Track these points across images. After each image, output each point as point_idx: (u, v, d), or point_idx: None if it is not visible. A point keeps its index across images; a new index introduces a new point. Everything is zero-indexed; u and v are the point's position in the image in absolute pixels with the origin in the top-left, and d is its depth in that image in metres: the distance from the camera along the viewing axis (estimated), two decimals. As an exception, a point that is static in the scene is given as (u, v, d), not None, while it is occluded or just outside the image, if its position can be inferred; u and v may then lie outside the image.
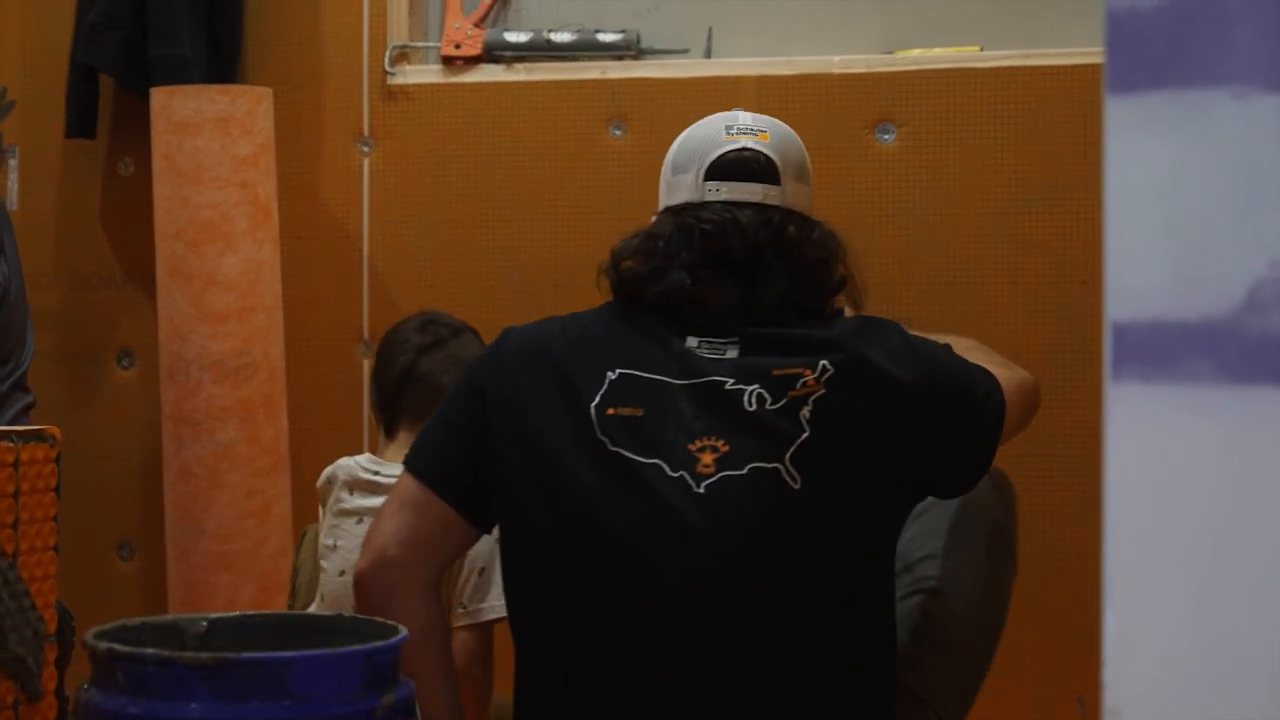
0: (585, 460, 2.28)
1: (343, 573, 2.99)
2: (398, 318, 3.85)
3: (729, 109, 3.80)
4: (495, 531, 2.55)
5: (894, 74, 3.81)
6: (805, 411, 2.26)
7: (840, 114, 3.82)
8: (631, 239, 2.45)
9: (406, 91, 4.02)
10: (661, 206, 2.47)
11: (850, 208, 3.80)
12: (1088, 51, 3.72)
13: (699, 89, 3.90)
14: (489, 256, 3.97)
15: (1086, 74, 3.69)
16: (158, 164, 3.81)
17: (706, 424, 2.27)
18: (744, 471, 2.24)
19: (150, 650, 2.15)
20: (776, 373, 2.28)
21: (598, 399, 2.30)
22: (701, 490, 2.24)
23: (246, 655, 2.16)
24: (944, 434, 2.34)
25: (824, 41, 3.95)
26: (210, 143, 3.74)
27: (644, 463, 2.26)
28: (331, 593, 3.02)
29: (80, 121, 4.04)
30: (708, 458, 2.25)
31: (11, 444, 2.51)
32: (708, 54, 4.00)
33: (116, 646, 2.16)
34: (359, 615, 2.59)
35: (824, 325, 2.36)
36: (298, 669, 2.13)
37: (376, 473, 2.99)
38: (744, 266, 2.35)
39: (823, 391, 2.26)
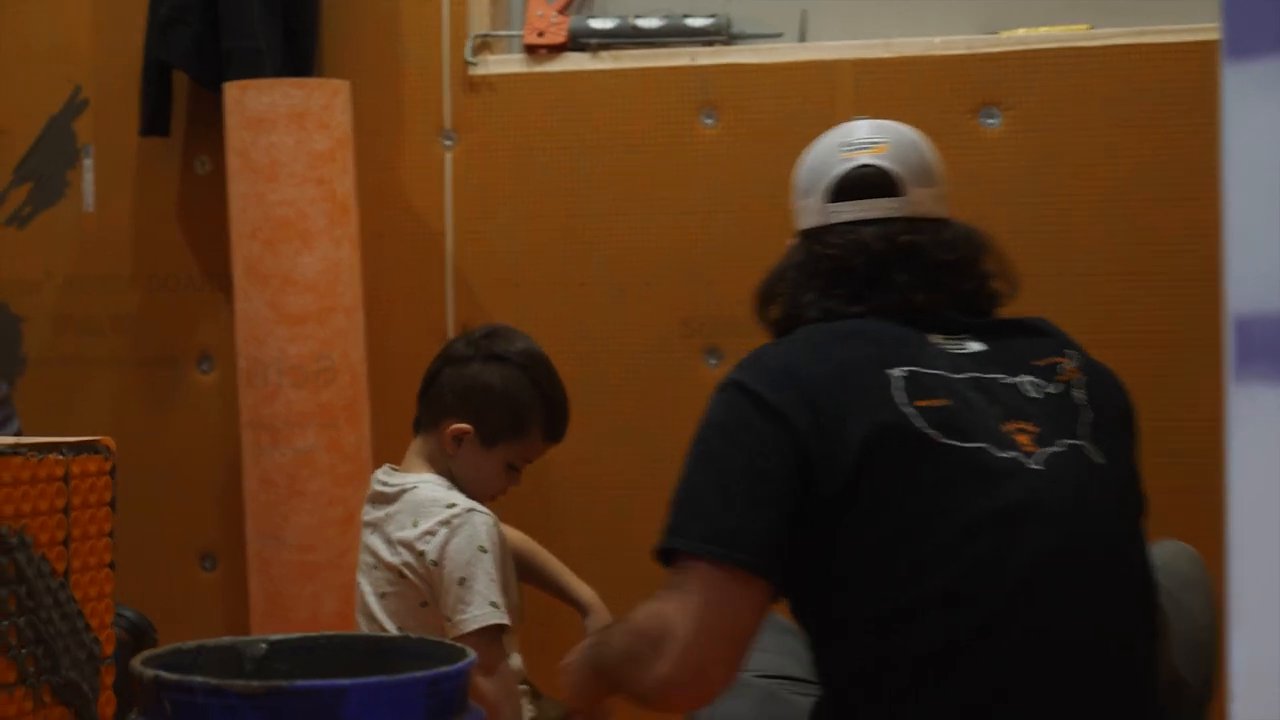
0: (921, 458, 2.18)
1: (359, 582, 2.98)
2: (483, 317, 3.74)
3: (825, 95, 3.67)
4: (471, 543, 2.81)
5: (998, 55, 3.62)
6: (1078, 394, 2.30)
7: (942, 98, 3.64)
8: (770, 274, 2.49)
9: (489, 82, 3.88)
10: (797, 229, 2.50)
11: (954, 194, 3.60)
12: (1203, 27, 3.52)
13: (793, 75, 3.73)
14: (576, 253, 3.83)
15: (1202, 51, 3.50)
16: (232, 161, 3.68)
17: (1004, 410, 2.24)
18: (1061, 448, 2.23)
19: (198, 679, 2.02)
20: (1037, 363, 2.32)
21: (901, 396, 2.22)
22: (1035, 466, 2.20)
23: (300, 684, 2.03)
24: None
25: (923, 22, 3.78)
26: (285, 138, 3.62)
27: (971, 448, 2.19)
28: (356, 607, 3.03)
29: (154, 119, 3.93)
30: (1024, 438, 2.22)
31: (61, 456, 2.39)
32: (802, 38, 3.83)
33: (163, 674, 2.04)
34: (428, 638, 2.47)
35: (1023, 322, 2.43)
36: (355, 698, 2.00)
37: (385, 483, 2.94)
38: (868, 280, 2.37)
39: (1083, 376, 2.33)
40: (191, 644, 2.24)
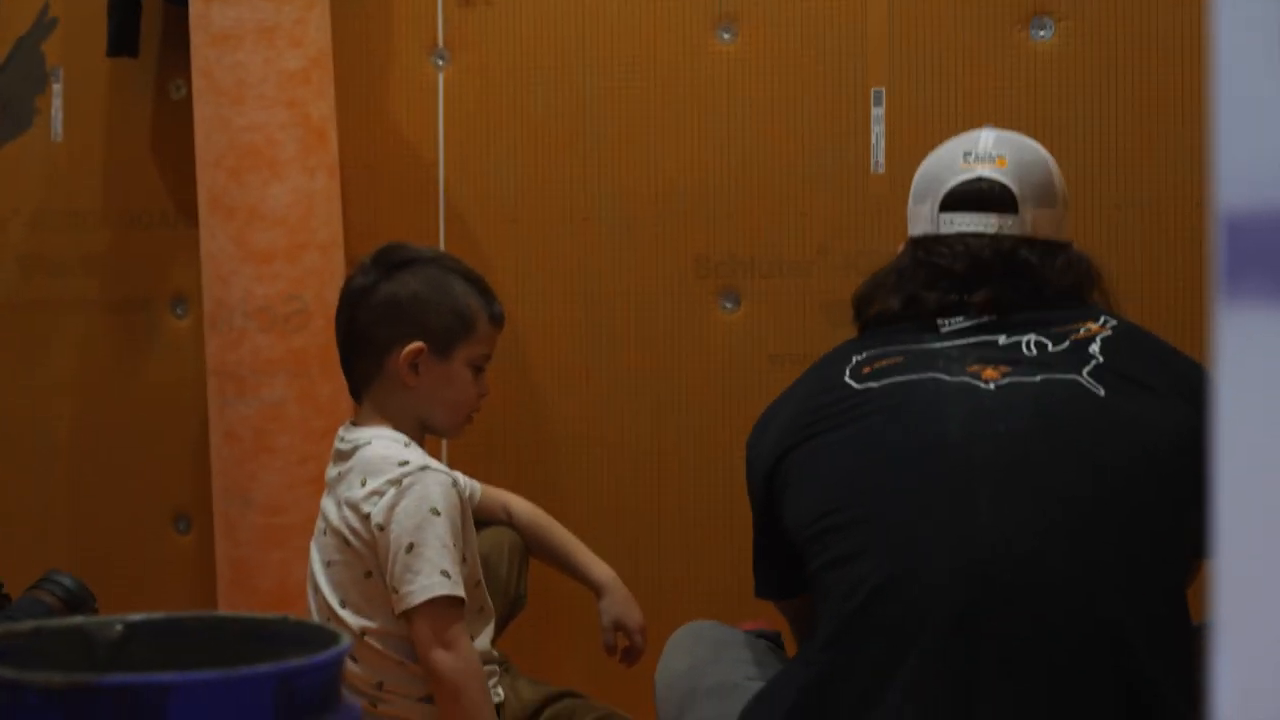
0: (853, 402, 2.15)
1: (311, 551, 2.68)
2: (478, 254, 3.39)
3: (858, 6, 3.25)
4: (422, 505, 2.50)
5: (1053, -41, 3.21)
6: (1093, 347, 2.15)
7: (993, 8, 3.22)
8: (872, 278, 2.42)
9: (486, -6, 3.51)
10: (908, 235, 2.44)
11: (1004, 116, 3.20)
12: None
13: (823, -17, 3.33)
14: (581, 184, 3.45)
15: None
16: (197, 82, 3.33)
17: (979, 357, 2.15)
18: (1036, 379, 2.09)
19: (-8, 671, 1.67)
20: (1055, 328, 2.20)
21: (848, 370, 2.20)
22: (992, 388, 2.09)
23: (111, 679, 1.67)
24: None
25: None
26: (252, 56, 3.25)
27: (919, 378, 2.13)
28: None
29: (120, 37, 3.58)
30: (990, 372, 2.12)
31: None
32: (834, -59, 3.42)
33: (-46, 665, 1.69)
34: (311, 622, 2.12)
35: (1072, 304, 2.30)
36: (181, 697, 1.64)
37: (342, 439, 2.67)
38: (965, 286, 2.30)
39: (1109, 334, 2.17)
40: (28, 624, 1.90)
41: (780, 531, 2.21)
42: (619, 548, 3.37)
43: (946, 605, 1.96)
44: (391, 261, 2.67)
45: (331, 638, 1.85)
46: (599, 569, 2.90)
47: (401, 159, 3.54)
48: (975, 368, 2.10)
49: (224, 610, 3.29)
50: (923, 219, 2.39)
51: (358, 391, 2.69)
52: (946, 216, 2.35)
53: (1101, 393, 2.06)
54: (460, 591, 2.51)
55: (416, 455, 2.58)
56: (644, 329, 3.41)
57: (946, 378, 2.09)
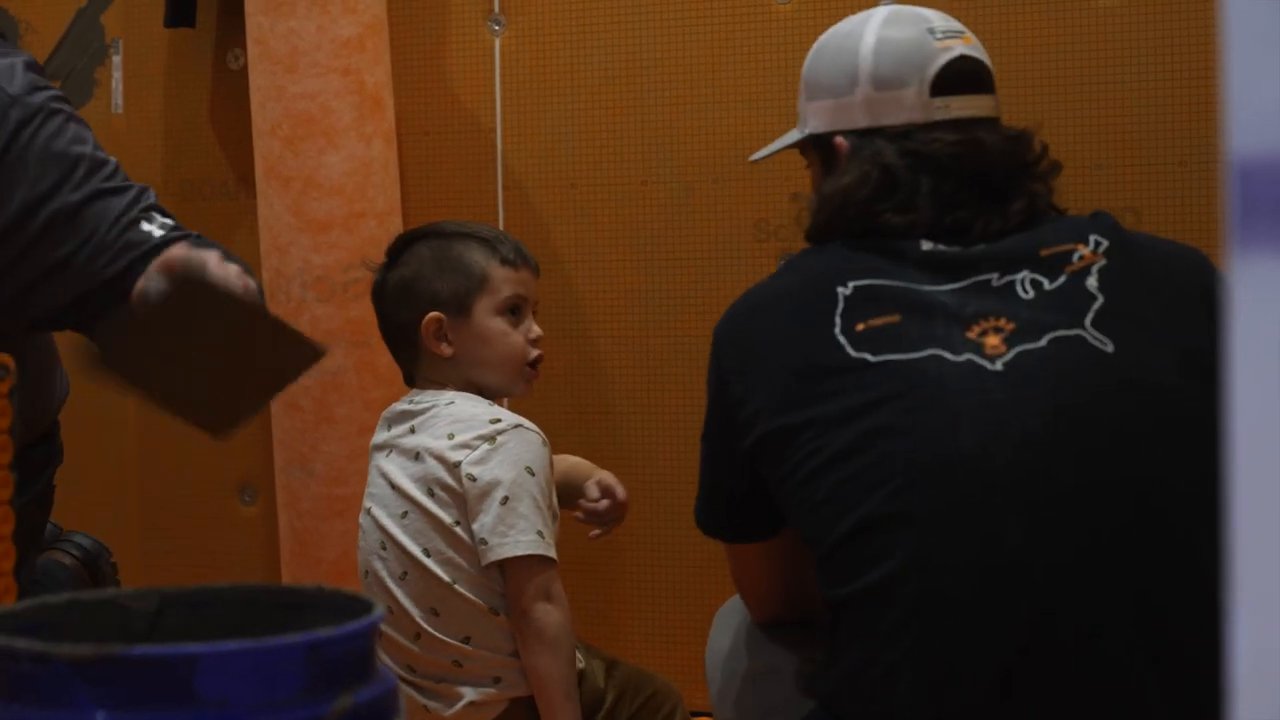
0: (850, 381, 1.96)
1: (368, 510, 2.63)
2: (535, 221, 3.36)
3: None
4: (518, 462, 2.45)
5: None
6: (1090, 281, 1.98)
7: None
8: (842, 179, 2.11)
9: (541, -43, 3.47)
10: (860, 125, 2.14)
11: (1062, 71, 3.15)
12: None
13: (881, -60, 3.26)
14: (638, 148, 3.41)
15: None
16: (252, 50, 3.32)
17: (979, 308, 1.97)
18: (1042, 343, 1.93)
19: (21, 643, 1.66)
20: (1044, 253, 2.01)
21: (839, 320, 1.99)
22: (999, 367, 1.92)
23: (139, 650, 1.65)
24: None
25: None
26: (306, 23, 3.23)
27: (918, 357, 1.94)
28: (363, 542, 2.66)
29: (177, 8, 3.59)
30: (993, 339, 1.94)
31: (-70, 376, 2.02)
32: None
33: (-14, 638, 1.68)
34: (347, 591, 2.09)
35: (1062, 218, 2.11)
36: (208, 668, 1.61)
37: (412, 400, 2.62)
38: (993, 190, 2.07)
39: (1104, 261, 2.00)
40: (63, 597, 1.89)
41: (759, 483, 2.07)
42: (679, 514, 3.34)
43: (989, 639, 1.88)
44: (394, 250, 2.68)
45: (365, 607, 1.83)
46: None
47: (459, 125, 3.51)
48: (976, 332, 1.95)
49: (288, 581, 3.29)
50: (905, 106, 2.11)
51: (412, 379, 2.68)
52: (940, 101, 2.11)
53: (1110, 349, 1.93)
54: (553, 554, 2.50)
55: (508, 414, 2.56)
56: (704, 294, 3.37)
57: (949, 356, 1.94)
